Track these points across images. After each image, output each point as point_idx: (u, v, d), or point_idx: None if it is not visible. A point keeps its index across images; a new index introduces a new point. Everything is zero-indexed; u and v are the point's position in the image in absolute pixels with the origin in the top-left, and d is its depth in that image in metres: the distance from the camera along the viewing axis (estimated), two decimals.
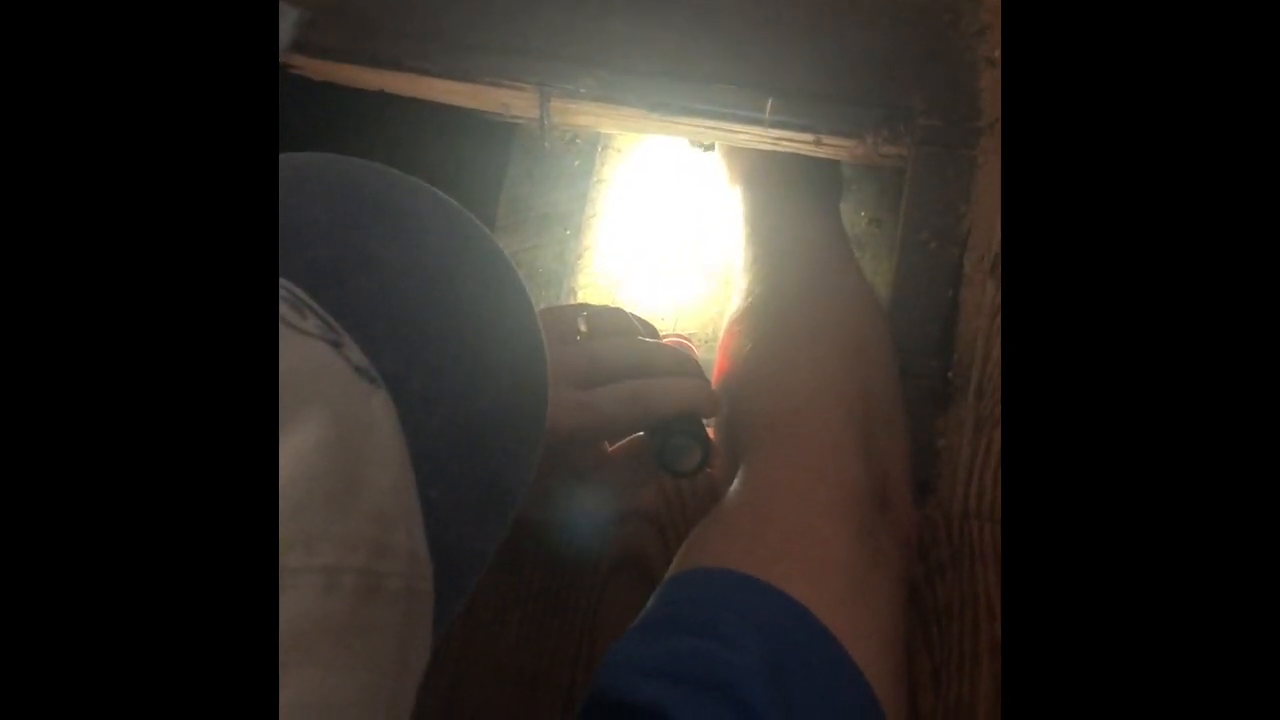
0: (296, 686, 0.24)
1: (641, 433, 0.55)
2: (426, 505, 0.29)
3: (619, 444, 0.56)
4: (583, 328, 0.55)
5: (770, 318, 0.58)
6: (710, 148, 0.80)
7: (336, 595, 0.25)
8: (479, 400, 0.33)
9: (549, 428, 0.50)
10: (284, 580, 0.24)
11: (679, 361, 0.55)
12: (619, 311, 0.58)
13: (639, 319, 0.59)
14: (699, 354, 0.62)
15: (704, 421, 0.55)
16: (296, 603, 0.24)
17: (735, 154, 0.70)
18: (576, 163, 0.82)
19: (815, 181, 0.67)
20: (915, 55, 0.63)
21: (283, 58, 0.64)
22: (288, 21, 0.64)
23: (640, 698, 0.38)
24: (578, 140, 0.83)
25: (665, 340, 0.60)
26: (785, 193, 0.66)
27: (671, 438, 0.52)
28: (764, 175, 0.67)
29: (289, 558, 0.25)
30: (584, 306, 0.57)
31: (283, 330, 0.28)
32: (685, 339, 0.61)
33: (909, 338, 0.59)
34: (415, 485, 0.29)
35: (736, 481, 0.51)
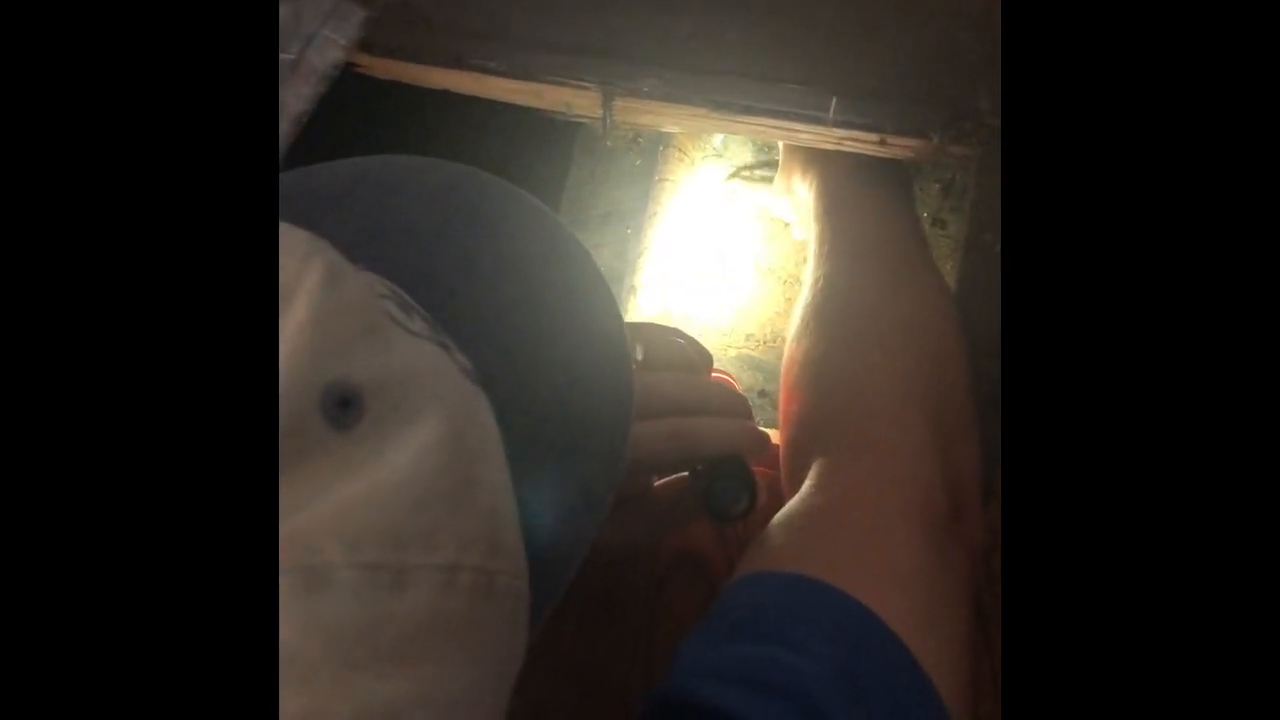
0: (417, 681, 0.25)
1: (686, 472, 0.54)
2: (522, 507, 0.30)
3: (664, 480, 0.55)
4: (639, 355, 0.54)
5: (848, 313, 0.56)
6: (763, 177, 0.80)
7: (454, 593, 0.26)
8: (568, 405, 0.33)
9: None
10: (407, 577, 0.25)
11: (729, 402, 0.54)
12: (676, 339, 0.56)
13: (695, 346, 0.57)
14: (740, 388, 0.61)
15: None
16: (417, 599, 0.25)
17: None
18: (638, 162, 0.82)
19: (889, 171, 0.67)
20: (981, 54, 0.63)
21: (348, 57, 0.65)
22: (353, 21, 0.64)
23: (717, 702, 0.38)
24: (640, 139, 0.83)
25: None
26: (860, 181, 0.65)
27: (717, 482, 0.51)
28: (837, 162, 0.66)
29: (411, 554, 0.25)
30: (643, 330, 0.56)
31: (395, 331, 0.28)
32: (728, 375, 0.60)
33: (972, 339, 0.58)
34: (511, 487, 0.30)
35: (809, 483, 0.50)
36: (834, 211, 0.63)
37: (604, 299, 0.37)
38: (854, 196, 0.64)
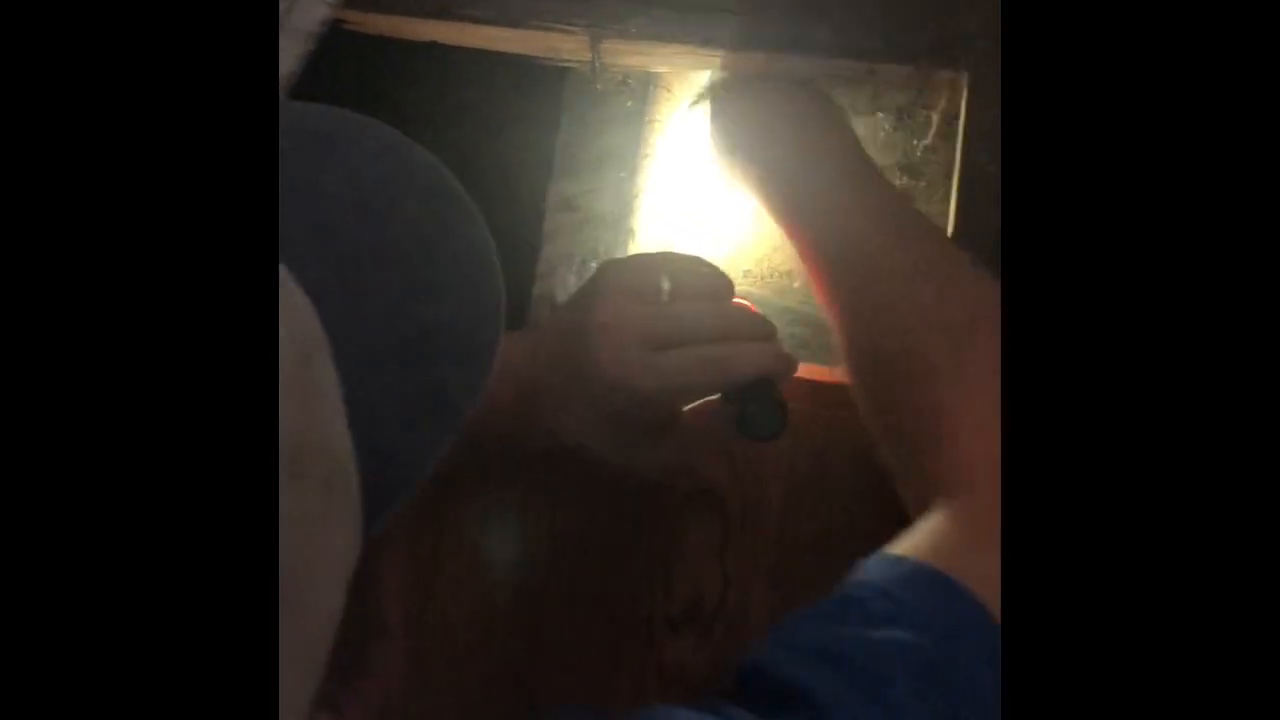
0: None
1: (716, 396, 0.55)
2: (354, 409, 0.31)
3: (692, 405, 0.56)
4: (665, 286, 0.55)
5: (894, 350, 0.54)
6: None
7: None
8: (419, 315, 0.35)
9: (624, 385, 0.51)
10: None
11: (755, 326, 0.55)
12: (700, 268, 0.57)
13: (717, 273, 0.58)
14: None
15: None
16: None
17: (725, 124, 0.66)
18: (629, 104, 0.82)
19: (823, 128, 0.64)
20: None
21: (334, 13, 0.65)
22: None
23: (788, 674, 0.39)
24: (629, 81, 0.82)
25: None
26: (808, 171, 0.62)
27: (749, 404, 0.53)
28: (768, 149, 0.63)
29: None
30: (667, 260, 0.57)
31: None
32: (747, 301, 0.60)
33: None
34: (338, 385, 0.31)
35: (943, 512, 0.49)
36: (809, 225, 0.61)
37: (464, 217, 0.38)
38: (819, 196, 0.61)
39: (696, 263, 0.58)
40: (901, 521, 0.53)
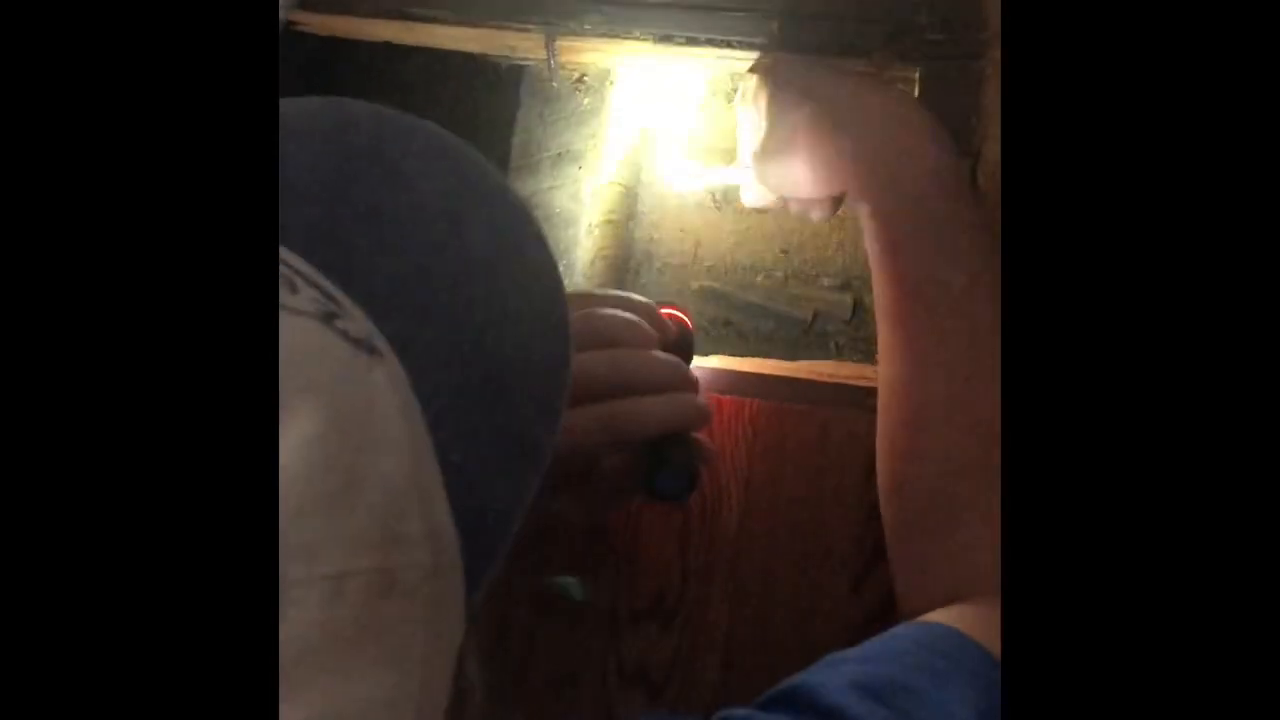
0: (311, 701, 0.23)
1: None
2: (448, 471, 0.28)
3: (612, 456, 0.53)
4: None
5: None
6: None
7: (344, 602, 0.24)
8: (498, 350, 0.31)
9: None
10: (287, 594, 0.23)
11: (666, 376, 0.51)
12: (604, 309, 0.52)
13: (631, 304, 0.53)
14: (691, 324, 0.57)
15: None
16: (301, 616, 0.23)
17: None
18: (586, 101, 0.82)
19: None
20: None
21: (288, 15, 0.65)
22: None
23: (820, 695, 0.40)
24: (585, 78, 0.83)
25: (661, 312, 0.55)
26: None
27: (657, 468, 0.50)
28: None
29: (290, 569, 0.23)
30: (573, 302, 0.53)
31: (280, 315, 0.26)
32: (680, 313, 0.56)
33: None
34: (434, 453, 0.28)
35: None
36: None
37: (527, 232, 0.35)
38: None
39: (602, 301, 0.53)
40: (861, 512, 0.53)
